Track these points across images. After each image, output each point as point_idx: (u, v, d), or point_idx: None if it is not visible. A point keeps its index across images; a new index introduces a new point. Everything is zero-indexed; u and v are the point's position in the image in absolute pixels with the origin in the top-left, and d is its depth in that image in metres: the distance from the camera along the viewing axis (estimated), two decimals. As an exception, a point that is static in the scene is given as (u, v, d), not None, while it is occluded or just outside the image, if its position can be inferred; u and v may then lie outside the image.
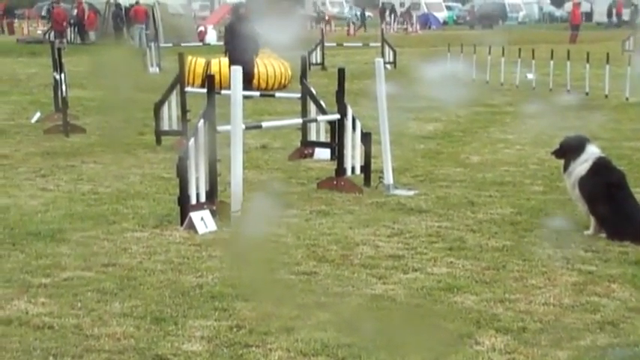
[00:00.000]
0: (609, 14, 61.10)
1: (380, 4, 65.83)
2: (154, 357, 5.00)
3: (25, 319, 5.55)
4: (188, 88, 12.91)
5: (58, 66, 14.00)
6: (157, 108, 12.33)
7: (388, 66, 23.75)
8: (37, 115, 14.98)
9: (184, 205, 7.89)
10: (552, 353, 5.13)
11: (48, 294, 6.05)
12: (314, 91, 11.18)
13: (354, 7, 73.16)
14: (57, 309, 5.74)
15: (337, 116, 9.82)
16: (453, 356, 5.06)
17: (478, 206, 8.83)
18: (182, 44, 30.68)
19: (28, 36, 45.14)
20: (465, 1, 76.57)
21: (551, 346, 5.24)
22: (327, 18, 56.15)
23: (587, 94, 18.85)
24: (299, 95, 11.56)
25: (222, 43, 22.60)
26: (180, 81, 12.24)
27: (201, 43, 36.97)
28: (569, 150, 7.94)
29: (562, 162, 8.01)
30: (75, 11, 42.47)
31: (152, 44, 26.52)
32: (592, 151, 7.84)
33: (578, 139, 8.05)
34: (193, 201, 7.95)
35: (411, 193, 9.44)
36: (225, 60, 19.07)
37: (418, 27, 56.48)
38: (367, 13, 62.36)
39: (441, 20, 66.60)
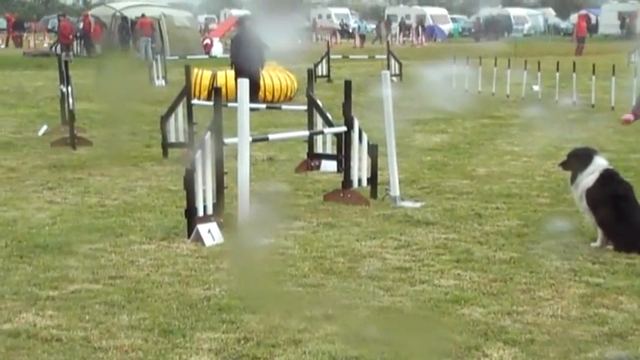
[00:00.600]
0: (622, 25, 60.81)
1: (386, 17, 65.98)
2: (162, 369, 5.00)
3: (33, 332, 5.56)
4: (194, 101, 12.95)
5: (65, 79, 14.04)
6: (164, 120, 12.35)
7: (394, 78, 23.77)
8: (44, 127, 15.03)
9: (191, 218, 7.90)
10: (560, 365, 5.12)
11: (56, 306, 6.06)
12: (320, 104, 11.20)
13: (358, 19, 73.30)
14: (65, 321, 5.75)
15: (344, 128, 9.83)
16: (461, 368, 5.05)
17: (485, 218, 8.83)
18: (188, 57, 30.76)
19: (35, 49, 45.31)
20: (470, 13, 76.72)
21: (559, 358, 5.23)
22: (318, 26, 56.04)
23: (593, 105, 18.85)
24: (305, 107, 11.58)
25: (228, 55, 22.64)
26: (186, 93, 12.28)
27: (207, 56, 37.08)
28: (576, 162, 7.94)
29: (569, 174, 8.01)
30: (81, 24, 42.66)
31: (158, 57, 26.58)
32: (599, 163, 7.85)
33: (585, 150, 8.06)
34: (200, 213, 7.97)
35: (418, 205, 9.44)
36: (231, 72, 19.12)
37: (424, 39, 56.58)
38: (371, 26, 62.50)
39: (447, 32, 66.72)
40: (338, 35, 57.82)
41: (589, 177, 7.77)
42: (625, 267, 7.10)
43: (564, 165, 8.08)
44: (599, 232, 7.69)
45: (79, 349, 5.28)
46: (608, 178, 7.78)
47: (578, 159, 7.93)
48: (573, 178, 7.91)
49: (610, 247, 7.59)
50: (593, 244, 7.69)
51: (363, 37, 53.99)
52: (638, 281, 6.71)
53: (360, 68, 30.14)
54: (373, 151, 9.83)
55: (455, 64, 23.44)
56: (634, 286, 6.57)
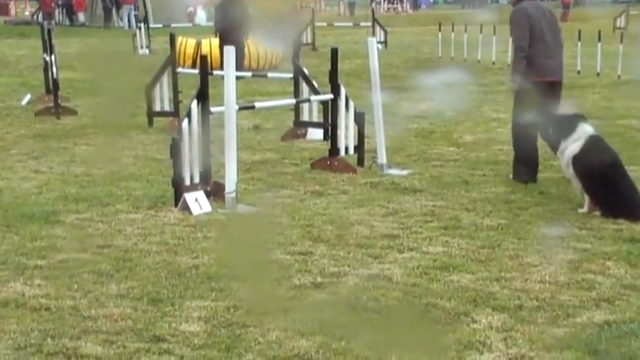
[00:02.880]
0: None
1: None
2: (152, 338, 5.00)
3: (22, 301, 5.54)
4: (179, 69, 12.86)
5: (49, 47, 13.91)
6: (149, 89, 12.28)
7: (379, 46, 23.67)
8: (28, 97, 14.92)
9: (178, 187, 7.87)
10: (549, 330, 5.15)
11: (44, 276, 6.04)
12: (306, 71, 11.15)
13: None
14: (53, 291, 5.73)
15: (330, 96, 9.80)
16: (451, 335, 5.07)
17: (472, 185, 8.85)
18: (172, 25, 30.54)
19: (17, 17, 44.86)
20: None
21: (548, 323, 5.26)
22: None
23: (578, 72, 18.86)
24: (291, 75, 11.52)
25: (212, 23, 22.49)
26: (171, 62, 12.19)
27: (190, 24, 36.83)
28: (561, 128, 7.94)
29: (555, 141, 8.02)
30: (64, -8, 42.25)
31: (142, 25, 26.36)
32: (584, 130, 7.85)
33: (570, 117, 8.06)
34: (187, 182, 7.94)
35: (405, 172, 9.44)
36: (215, 41, 18.98)
37: (409, 6, 56.33)
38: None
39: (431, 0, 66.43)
40: (322, 3, 57.39)
41: (574, 144, 7.78)
42: (612, 232, 7.13)
43: (545, 135, 8.07)
44: (586, 199, 7.71)
45: (68, 318, 5.27)
46: (594, 144, 7.79)
47: (563, 126, 7.93)
48: (557, 145, 7.92)
49: (597, 213, 7.62)
50: (580, 210, 7.72)
51: (352, 6, 53.31)
52: (625, 246, 6.75)
53: (345, 36, 30.02)
54: (360, 118, 9.81)
55: (440, 32, 23.38)
56: (621, 252, 6.61)
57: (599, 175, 7.64)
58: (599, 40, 18.36)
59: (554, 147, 8.01)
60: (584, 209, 7.71)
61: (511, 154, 9.15)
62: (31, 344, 4.88)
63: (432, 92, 15.93)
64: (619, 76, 18.00)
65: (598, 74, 18.31)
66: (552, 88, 8.73)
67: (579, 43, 19.02)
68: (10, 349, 4.83)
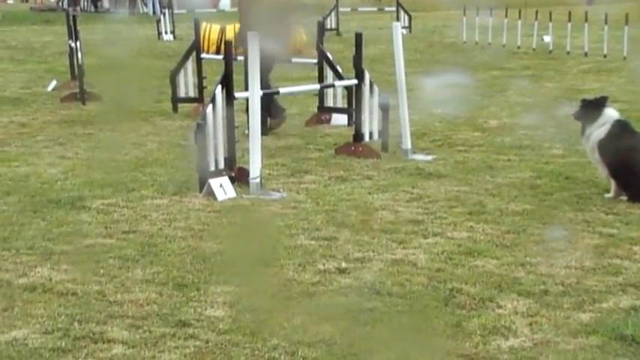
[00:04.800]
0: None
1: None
2: (177, 323, 5.03)
3: (49, 286, 5.59)
4: (204, 55, 12.88)
5: (74, 34, 13.96)
6: (173, 75, 12.31)
7: (404, 30, 23.55)
8: (54, 83, 14.99)
9: (203, 172, 7.89)
10: (574, 316, 5.13)
11: (70, 261, 6.08)
12: (330, 57, 11.12)
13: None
14: (80, 276, 5.78)
15: (355, 81, 9.77)
16: (475, 320, 5.06)
17: (497, 170, 8.81)
18: (196, 10, 30.54)
19: (42, 4, 45.06)
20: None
21: (574, 308, 5.24)
22: None
23: (605, 56, 18.69)
24: (315, 61, 11.50)
25: (236, 9, 22.46)
26: (195, 47, 12.21)
27: (215, 9, 36.81)
28: (587, 113, 7.88)
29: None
30: (88, -21, 42.34)
31: (166, 11, 26.37)
32: (610, 114, 7.79)
33: (595, 102, 7.98)
34: (212, 168, 7.96)
35: (430, 157, 9.42)
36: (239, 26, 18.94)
37: (433, -9, 55.99)
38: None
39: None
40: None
41: (600, 128, 7.72)
42: (638, 217, 7.09)
43: (576, 115, 8.02)
44: (613, 183, 7.66)
45: (94, 303, 5.31)
46: (620, 129, 7.73)
47: (588, 110, 7.87)
48: (583, 130, 7.86)
49: (624, 197, 7.57)
50: (606, 195, 7.67)
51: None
52: (652, 232, 6.70)
53: (369, 21, 29.90)
54: (384, 104, 9.78)
55: (465, 16, 23.22)
56: (647, 237, 6.57)
57: (625, 160, 7.58)
58: (627, 23, 18.17)
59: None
60: (611, 194, 7.65)
61: (537, 138, 9.10)
62: (58, 328, 4.93)
63: (456, 77, 15.86)
64: (646, 60, 17.81)
65: (624, 58, 18.13)
66: None
67: (606, 27, 18.84)
68: (38, 334, 4.88)
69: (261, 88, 8.12)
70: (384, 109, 9.77)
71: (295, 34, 20.50)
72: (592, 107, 7.87)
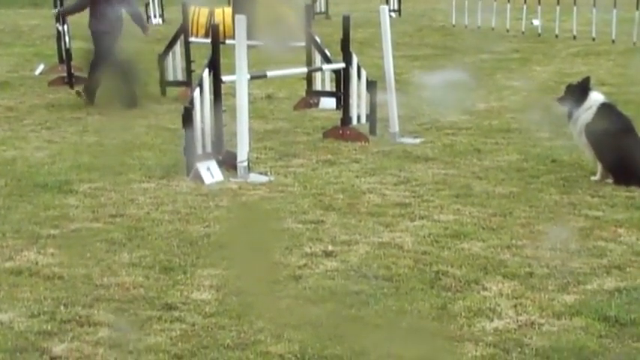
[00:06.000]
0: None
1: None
2: (164, 306, 5.05)
3: (35, 270, 5.59)
4: (192, 39, 12.84)
5: (61, 17, 13.89)
6: (161, 59, 12.28)
7: (393, 14, 23.52)
8: (41, 66, 14.91)
9: (190, 156, 7.89)
10: (559, 297, 5.16)
11: (57, 245, 6.09)
12: (319, 40, 11.10)
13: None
14: (66, 259, 5.79)
15: (342, 65, 9.76)
16: (461, 302, 5.09)
17: (484, 153, 8.83)
18: (185, -6, 30.38)
19: (30, -12, 44.76)
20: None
21: (558, 290, 5.27)
22: None
23: (593, 39, 18.69)
24: (303, 44, 11.47)
25: (225, -8, 22.36)
26: (184, 31, 12.17)
27: (204, -7, 36.66)
28: (572, 97, 7.89)
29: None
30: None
31: (154, -6, 26.22)
32: (595, 98, 7.81)
33: (580, 86, 7.98)
34: (199, 151, 7.96)
35: (417, 141, 9.43)
36: (228, 10, 18.88)
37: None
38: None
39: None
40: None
41: (587, 112, 7.74)
42: (624, 200, 7.12)
43: (561, 100, 8.04)
44: (599, 166, 7.69)
45: (80, 287, 5.32)
46: (606, 112, 7.75)
47: (574, 95, 7.88)
48: (570, 114, 7.88)
49: (609, 180, 7.60)
50: (592, 178, 7.70)
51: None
52: (637, 214, 6.74)
53: (359, 4, 29.83)
54: (372, 87, 9.77)
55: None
56: (633, 219, 6.60)
57: (612, 143, 7.60)
58: (615, 6, 18.18)
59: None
60: (597, 177, 7.69)
61: (524, 121, 9.10)
62: (44, 312, 4.94)
63: (444, 60, 15.87)
64: (634, 43, 17.83)
65: (613, 41, 18.14)
66: None
67: (594, 10, 18.84)
68: (24, 317, 4.89)
69: (105, 63, 8.27)
70: (372, 93, 9.77)
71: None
72: (577, 91, 7.88)
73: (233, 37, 8.16)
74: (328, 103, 11.22)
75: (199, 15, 20.17)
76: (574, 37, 19.14)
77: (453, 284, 5.37)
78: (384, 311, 4.97)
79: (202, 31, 19.16)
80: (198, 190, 7.49)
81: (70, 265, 5.68)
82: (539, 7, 20.24)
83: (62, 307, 4.99)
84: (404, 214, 6.80)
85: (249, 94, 8.44)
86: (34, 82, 13.92)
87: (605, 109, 7.75)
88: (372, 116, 9.76)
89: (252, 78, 8.88)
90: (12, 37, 21.23)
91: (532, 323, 4.83)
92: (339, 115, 9.83)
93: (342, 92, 9.94)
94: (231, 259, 5.80)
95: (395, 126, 9.58)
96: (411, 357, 4.53)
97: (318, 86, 11.25)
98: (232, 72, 8.13)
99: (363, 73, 9.70)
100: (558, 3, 19.54)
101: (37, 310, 4.96)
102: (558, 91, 8.35)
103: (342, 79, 9.97)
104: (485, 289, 5.30)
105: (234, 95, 8.11)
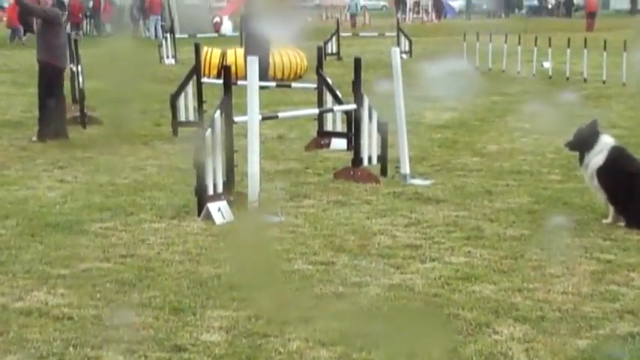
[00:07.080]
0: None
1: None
2: (173, 347, 5.02)
3: (45, 310, 5.58)
4: (204, 79, 12.93)
5: (75, 57, 14.02)
6: (174, 99, 12.36)
7: (404, 55, 23.66)
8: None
9: (201, 196, 7.90)
10: (571, 342, 5.11)
11: (67, 285, 6.08)
12: (330, 81, 11.16)
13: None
14: (76, 300, 5.77)
15: (353, 106, 9.81)
16: (472, 345, 5.05)
17: (495, 195, 8.81)
18: (198, 35, 30.68)
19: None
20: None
21: (570, 335, 5.23)
22: None
23: (604, 82, 18.74)
24: (315, 85, 11.54)
25: (237, 33, 22.57)
26: (196, 72, 12.26)
27: (216, 34, 36.97)
28: (583, 142, 7.87)
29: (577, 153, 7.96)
30: (91, 3, 42.55)
31: (167, 35, 26.50)
32: (605, 142, 7.80)
33: (590, 130, 7.95)
34: (210, 192, 7.97)
35: (428, 182, 9.43)
36: (240, 51, 19.05)
37: (434, 16, 56.23)
38: (382, 3, 61.99)
39: (457, 9, 66.29)
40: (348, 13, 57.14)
41: (598, 156, 7.73)
42: (636, 243, 7.08)
43: (571, 145, 8.01)
44: (611, 209, 7.66)
45: (90, 327, 5.30)
46: (617, 155, 7.74)
47: (584, 139, 7.86)
48: (581, 159, 7.86)
49: (621, 223, 7.57)
50: (604, 221, 7.67)
51: (353, 17, 51.07)
52: (650, 258, 6.69)
53: (370, 46, 30.01)
54: (383, 128, 9.80)
55: (465, 42, 23.31)
56: (645, 263, 6.56)
57: (624, 186, 7.59)
58: (625, 49, 18.24)
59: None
60: (609, 220, 7.66)
61: (535, 163, 9.07)
62: (53, 353, 4.92)
63: (455, 102, 15.90)
64: (645, 86, 17.86)
65: (624, 84, 18.19)
66: None
67: (605, 53, 18.91)
68: (33, 358, 4.87)
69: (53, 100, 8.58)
70: (383, 134, 9.79)
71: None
72: (587, 135, 7.85)
73: (245, 78, 8.20)
74: (339, 143, 11.26)
75: (212, 56, 20.46)
76: (585, 80, 19.19)
77: (464, 327, 5.33)
78: (395, 354, 4.93)
79: (214, 72, 19.41)
80: (209, 230, 7.49)
81: (79, 306, 5.66)
82: (550, 50, 20.34)
83: (71, 349, 4.97)
84: (415, 256, 6.77)
85: (261, 135, 8.46)
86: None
87: (616, 152, 7.74)
88: (383, 157, 9.77)
89: (264, 119, 8.92)
90: (26, 77, 21.38)
91: (544, 368, 4.78)
92: (350, 155, 9.85)
93: (353, 133, 9.97)
94: (241, 300, 5.78)
95: (406, 167, 9.59)
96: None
97: (329, 127, 11.30)
98: (244, 112, 8.17)
99: (374, 114, 9.73)
100: (569, 46, 19.62)
101: (47, 351, 4.94)
102: (569, 135, 8.33)
103: (353, 120, 10.00)
104: (496, 332, 5.26)
105: (245, 135, 8.13)
